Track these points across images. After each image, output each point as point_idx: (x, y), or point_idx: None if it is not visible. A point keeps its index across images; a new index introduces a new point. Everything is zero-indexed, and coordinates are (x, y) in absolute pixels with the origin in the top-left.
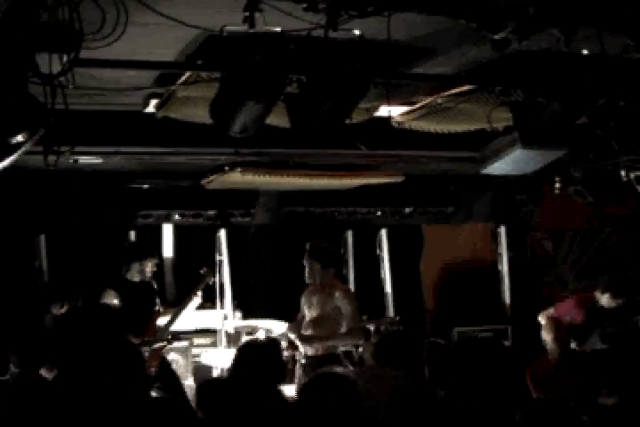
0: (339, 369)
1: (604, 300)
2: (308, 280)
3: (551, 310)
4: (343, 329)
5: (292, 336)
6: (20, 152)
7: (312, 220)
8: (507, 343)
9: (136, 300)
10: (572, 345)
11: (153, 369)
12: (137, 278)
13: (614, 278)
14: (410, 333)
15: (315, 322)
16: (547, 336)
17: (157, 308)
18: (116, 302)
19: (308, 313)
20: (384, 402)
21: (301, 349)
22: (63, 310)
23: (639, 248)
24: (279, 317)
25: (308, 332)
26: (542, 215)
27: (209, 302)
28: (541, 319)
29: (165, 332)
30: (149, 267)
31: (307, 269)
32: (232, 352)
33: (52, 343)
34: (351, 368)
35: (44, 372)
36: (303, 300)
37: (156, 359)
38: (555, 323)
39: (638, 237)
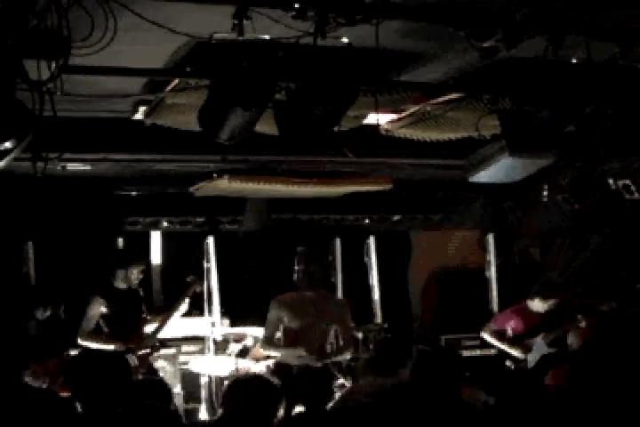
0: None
1: (536, 305)
2: (304, 286)
3: (491, 325)
4: (332, 340)
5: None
6: (8, 158)
7: (300, 227)
8: (493, 351)
9: (122, 307)
10: (519, 355)
11: (140, 376)
12: (123, 286)
13: (541, 283)
14: (398, 339)
15: (304, 333)
16: (506, 348)
17: (144, 315)
18: (103, 309)
19: (295, 323)
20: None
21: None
22: (47, 315)
23: (627, 254)
24: None
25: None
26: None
27: (197, 309)
28: (484, 335)
29: (152, 339)
30: (135, 274)
31: (306, 275)
32: (220, 359)
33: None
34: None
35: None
36: (291, 309)
37: (142, 366)
38: (498, 335)
39: (627, 243)
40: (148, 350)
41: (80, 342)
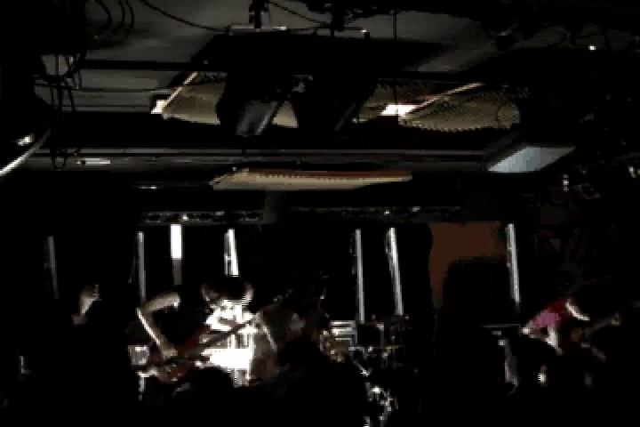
0: None
1: (573, 312)
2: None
3: (531, 323)
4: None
5: None
6: (27, 154)
7: (319, 219)
8: None
9: (191, 311)
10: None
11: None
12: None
13: (582, 290)
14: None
15: None
16: (545, 339)
17: (205, 325)
18: (174, 304)
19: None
20: None
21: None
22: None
23: None
24: None
25: None
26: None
27: None
28: (525, 331)
29: (201, 350)
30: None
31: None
32: (242, 353)
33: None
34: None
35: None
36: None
37: (178, 373)
38: (540, 330)
39: None
40: (191, 362)
41: (139, 314)
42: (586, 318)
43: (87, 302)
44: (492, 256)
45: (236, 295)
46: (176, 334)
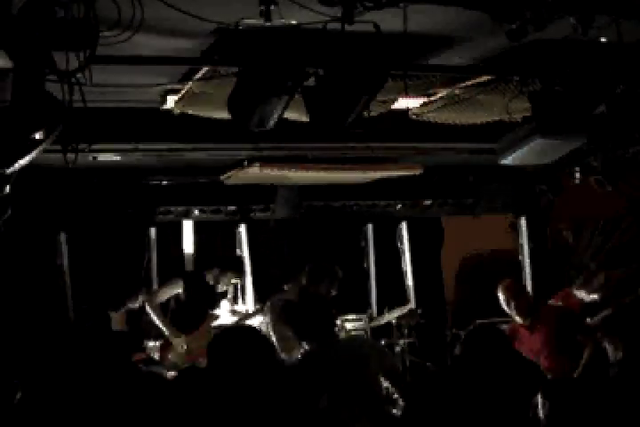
0: None
1: (581, 295)
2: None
3: None
4: None
5: None
6: (38, 150)
7: (332, 213)
8: None
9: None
10: None
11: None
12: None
13: (582, 271)
14: None
15: None
16: None
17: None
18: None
19: None
20: None
21: None
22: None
23: None
24: None
25: None
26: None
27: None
28: None
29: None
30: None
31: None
32: None
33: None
34: None
35: None
36: None
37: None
38: None
39: None
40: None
41: (146, 307)
42: (592, 298)
43: (129, 306)
44: (505, 249)
45: (237, 268)
46: (185, 323)
